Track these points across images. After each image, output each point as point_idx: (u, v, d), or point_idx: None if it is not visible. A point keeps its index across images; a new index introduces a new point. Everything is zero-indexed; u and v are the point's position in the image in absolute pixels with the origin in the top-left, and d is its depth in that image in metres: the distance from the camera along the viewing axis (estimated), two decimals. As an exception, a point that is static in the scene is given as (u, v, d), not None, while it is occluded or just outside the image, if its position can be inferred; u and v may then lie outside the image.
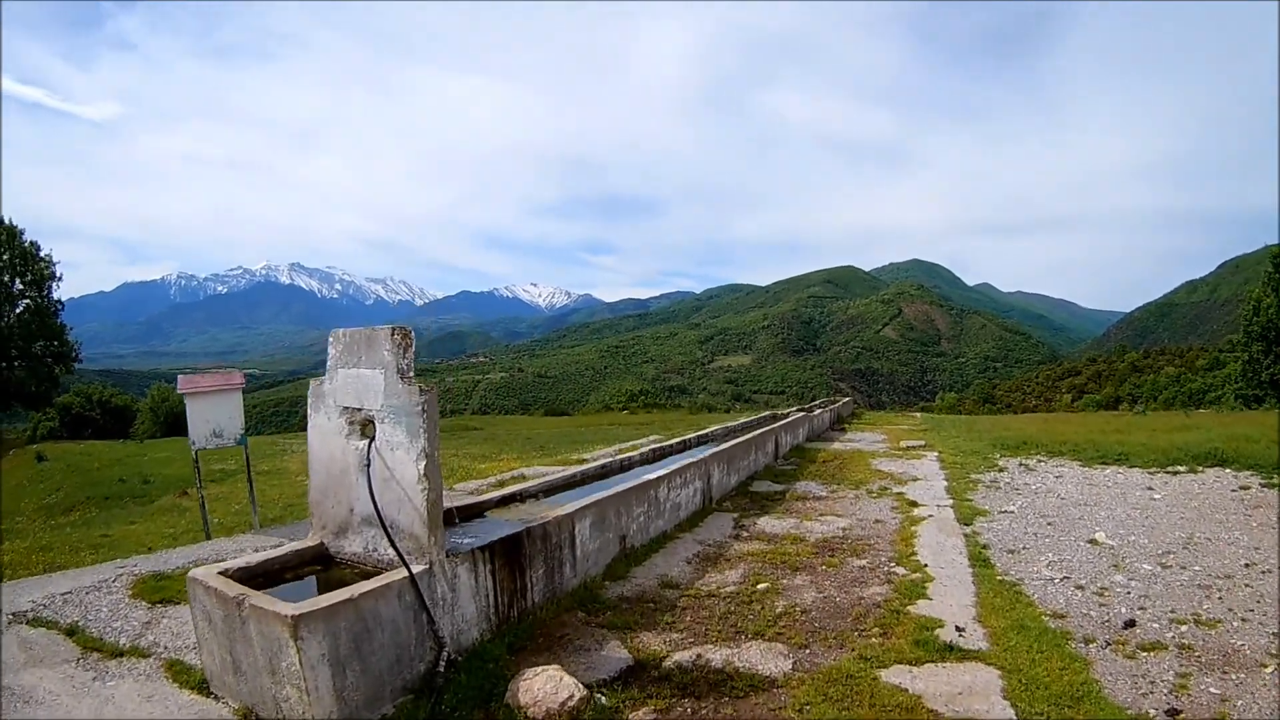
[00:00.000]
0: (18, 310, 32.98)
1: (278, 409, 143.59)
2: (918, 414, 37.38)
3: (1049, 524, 7.80)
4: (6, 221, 32.48)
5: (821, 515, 8.26)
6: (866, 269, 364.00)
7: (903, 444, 14.74)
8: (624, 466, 8.84)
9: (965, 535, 7.25)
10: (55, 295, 34.94)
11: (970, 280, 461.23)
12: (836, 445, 15.07)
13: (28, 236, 31.79)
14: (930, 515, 8.11)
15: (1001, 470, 11.42)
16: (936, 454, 13.41)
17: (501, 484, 10.52)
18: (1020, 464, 12.06)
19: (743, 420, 16.43)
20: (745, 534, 7.43)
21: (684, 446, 11.03)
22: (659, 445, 10.51)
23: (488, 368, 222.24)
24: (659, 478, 7.09)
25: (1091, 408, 71.76)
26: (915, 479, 10.64)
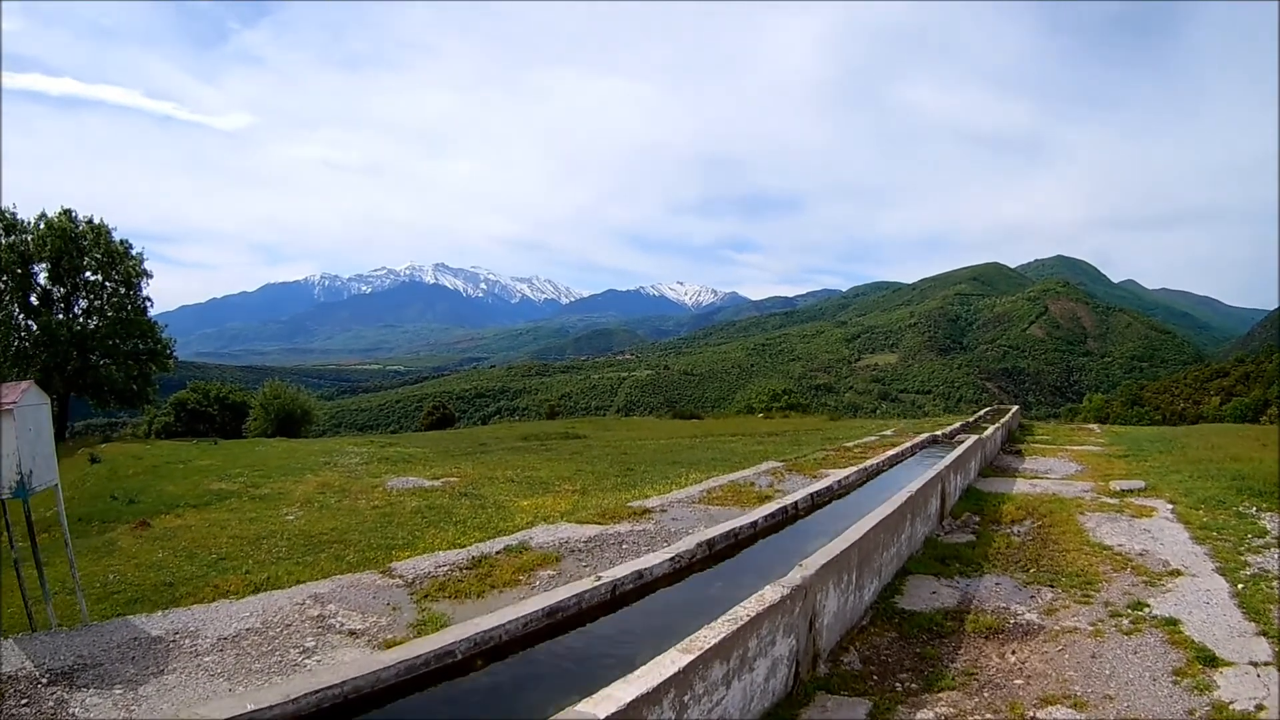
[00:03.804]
0: (107, 310, 32.96)
1: (420, 404, 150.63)
2: (1096, 427, 31.64)
3: None
4: (97, 222, 32.68)
5: (1043, 703, 4.39)
6: (1011, 265, 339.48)
7: (1114, 486, 11.36)
8: (609, 596, 5.21)
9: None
10: (145, 292, 34.60)
11: (1115, 277, 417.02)
12: (1020, 485, 11.79)
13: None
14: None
15: (1286, 541, 8.10)
16: (1169, 505, 10.07)
17: (477, 562, 6.90)
18: (1307, 529, 8.63)
19: (886, 455, 12.87)
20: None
21: (786, 518, 7.69)
22: (727, 530, 6.83)
23: (634, 365, 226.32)
24: (657, 688, 3.05)
25: (1240, 411, 64.12)
26: (1170, 571, 7.00)
